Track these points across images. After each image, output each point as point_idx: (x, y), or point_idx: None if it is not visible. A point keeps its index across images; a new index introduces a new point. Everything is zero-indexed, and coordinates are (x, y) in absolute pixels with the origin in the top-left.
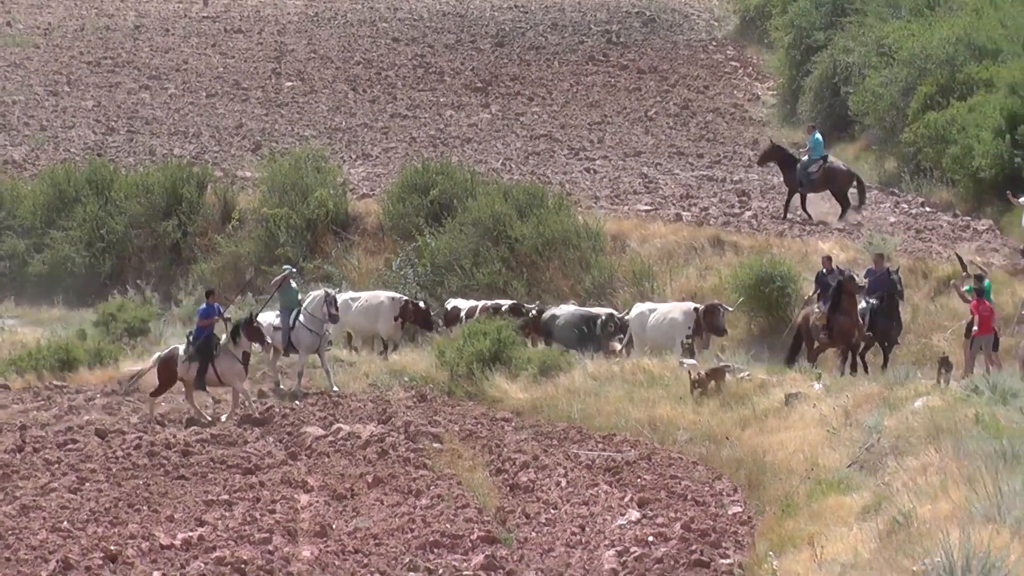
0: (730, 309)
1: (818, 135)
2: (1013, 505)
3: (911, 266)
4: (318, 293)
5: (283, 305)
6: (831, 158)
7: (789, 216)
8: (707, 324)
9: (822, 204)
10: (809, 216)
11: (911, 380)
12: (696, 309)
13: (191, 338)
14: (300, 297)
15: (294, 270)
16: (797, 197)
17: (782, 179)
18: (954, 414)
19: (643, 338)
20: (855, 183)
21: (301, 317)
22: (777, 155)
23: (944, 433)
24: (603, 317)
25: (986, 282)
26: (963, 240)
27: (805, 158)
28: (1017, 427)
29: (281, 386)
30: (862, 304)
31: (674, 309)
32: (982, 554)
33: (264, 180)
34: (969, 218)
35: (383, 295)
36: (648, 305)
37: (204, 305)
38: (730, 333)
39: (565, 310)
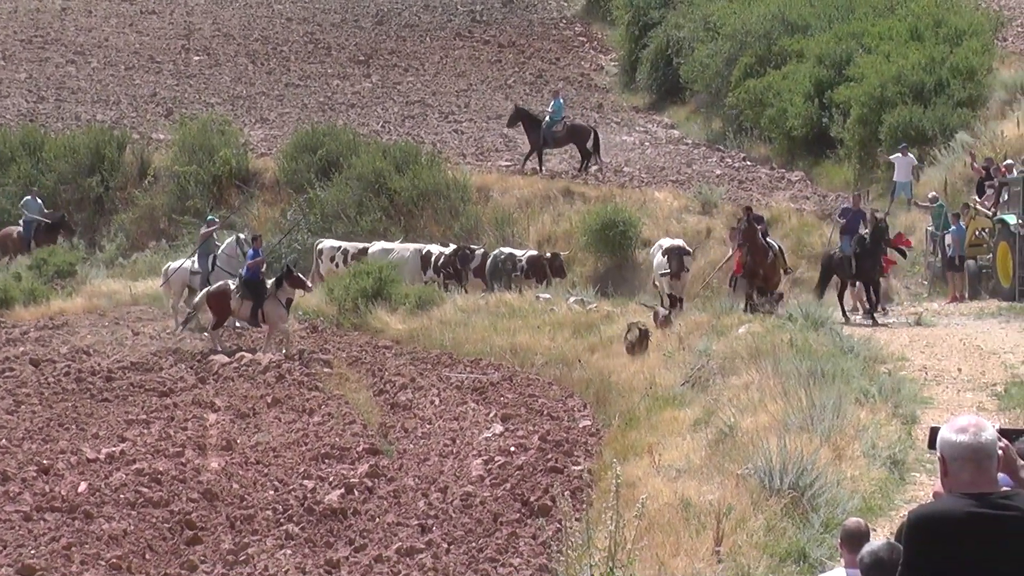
0: (689, 250)
1: (560, 100)
2: (823, 417)
3: (733, 211)
4: (230, 239)
5: (202, 252)
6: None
7: (531, 167)
8: (669, 264)
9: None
10: (541, 169)
11: (735, 311)
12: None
13: (242, 278)
14: (216, 244)
15: (217, 222)
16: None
17: (527, 139)
18: (772, 339)
19: (653, 275)
20: (593, 137)
21: (219, 261)
22: (522, 117)
23: (764, 355)
24: (502, 256)
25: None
26: (779, 189)
27: (548, 119)
28: (825, 349)
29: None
30: (843, 246)
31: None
32: (796, 458)
33: (175, 141)
34: (784, 170)
35: (411, 247)
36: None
37: (251, 250)
38: (579, 271)
39: (492, 253)
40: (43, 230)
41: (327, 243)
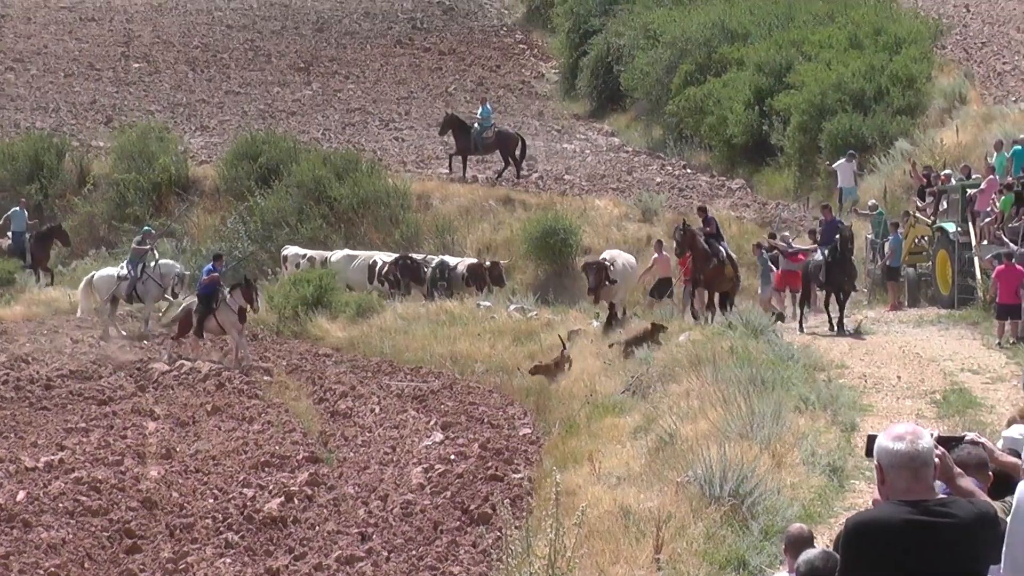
0: (604, 260)
1: (488, 106)
2: (763, 424)
3: (674, 219)
4: (177, 269)
5: (131, 259)
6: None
7: (472, 174)
8: (588, 280)
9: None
10: (464, 173)
11: (675, 318)
12: None
13: (197, 292)
14: (149, 254)
15: (153, 232)
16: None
17: (455, 145)
18: (713, 346)
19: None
20: (520, 145)
21: (147, 269)
22: (454, 124)
23: (704, 363)
24: (434, 264)
25: None
26: (719, 197)
27: (477, 126)
28: (765, 357)
29: (123, 332)
30: (817, 256)
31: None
32: (736, 466)
33: (115, 149)
34: (724, 178)
35: (376, 255)
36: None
37: (210, 265)
38: (519, 279)
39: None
40: (36, 240)
41: (291, 249)
